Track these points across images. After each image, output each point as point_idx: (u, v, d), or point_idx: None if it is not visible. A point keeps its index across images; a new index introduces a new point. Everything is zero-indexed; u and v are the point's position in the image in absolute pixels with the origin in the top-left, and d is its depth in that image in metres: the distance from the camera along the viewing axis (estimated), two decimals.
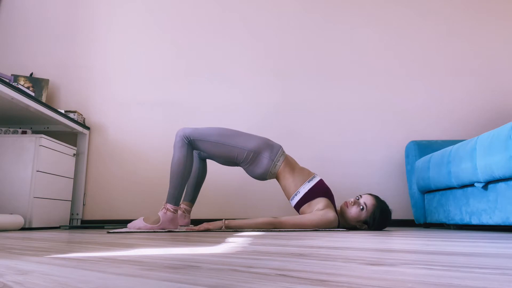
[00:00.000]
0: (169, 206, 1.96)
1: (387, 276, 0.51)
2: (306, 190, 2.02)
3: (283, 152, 2.12)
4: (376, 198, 2.00)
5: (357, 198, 2.02)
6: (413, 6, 3.19)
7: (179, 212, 2.24)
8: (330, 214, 1.93)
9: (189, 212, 2.28)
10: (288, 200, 2.14)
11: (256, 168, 2.06)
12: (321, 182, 2.08)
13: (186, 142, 2.02)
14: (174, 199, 1.97)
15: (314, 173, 2.13)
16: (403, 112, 3.01)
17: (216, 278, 0.50)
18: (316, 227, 1.93)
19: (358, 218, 1.98)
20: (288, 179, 2.07)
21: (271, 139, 2.88)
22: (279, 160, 2.07)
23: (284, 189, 2.10)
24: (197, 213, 2.77)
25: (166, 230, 1.91)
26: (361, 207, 1.96)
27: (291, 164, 2.11)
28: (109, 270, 0.57)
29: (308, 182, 2.05)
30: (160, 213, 1.95)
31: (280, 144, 2.86)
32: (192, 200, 2.29)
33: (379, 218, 1.95)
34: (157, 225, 1.92)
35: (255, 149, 2.05)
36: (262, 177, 2.09)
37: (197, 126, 2.97)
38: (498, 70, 3.07)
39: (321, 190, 2.04)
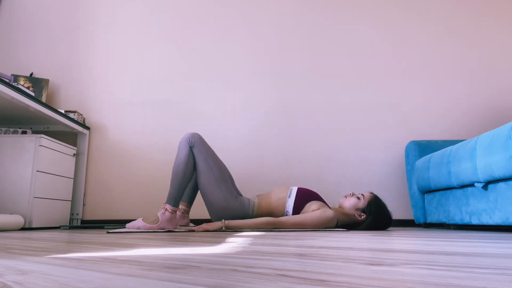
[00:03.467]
0: (168, 206, 1.97)
1: (387, 276, 0.51)
2: (293, 205, 2.07)
3: (255, 198, 2.16)
4: (374, 194, 2.13)
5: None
6: (413, 6, 3.19)
7: (178, 212, 2.25)
8: (328, 212, 1.98)
9: (187, 212, 2.28)
10: None
11: (238, 206, 2.07)
12: (300, 190, 2.14)
13: (189, 145, 2.05)
14: (173, 199, 1.99)
15: (289, 187, 2.18)
16: (403, 112, 3.01)
17: (216, 278, 0.50)
18: (316, 226, 1.95)
19: (356, 206, 2.06)
20: (272, 204, 2.10)
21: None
22: (254, 202, 2.11)
23: (276, 214, 2.11)
24: (198, 213, 2.77)
25: (166, 230, 1.91)
26: (358, 197, 2.08)
27: (265, 196, 2.16)
28: (109, 270, 0.57)
29: (289, 197, 2.10)
30: (159, 213, 1.96)
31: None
32: (190, 201, 2.30)
33: (376, 207, 2.03)
34: (156, 225, 1.93)
35: (232, 199, 2.07)
36: (245, 210, 2.09)
37: (197, 126, 2.98)
38: (498, 70, 3.07)
39: (305, 196, 2.11)
